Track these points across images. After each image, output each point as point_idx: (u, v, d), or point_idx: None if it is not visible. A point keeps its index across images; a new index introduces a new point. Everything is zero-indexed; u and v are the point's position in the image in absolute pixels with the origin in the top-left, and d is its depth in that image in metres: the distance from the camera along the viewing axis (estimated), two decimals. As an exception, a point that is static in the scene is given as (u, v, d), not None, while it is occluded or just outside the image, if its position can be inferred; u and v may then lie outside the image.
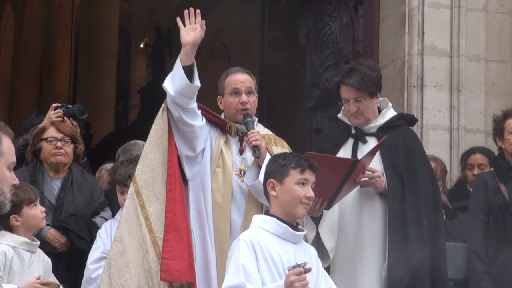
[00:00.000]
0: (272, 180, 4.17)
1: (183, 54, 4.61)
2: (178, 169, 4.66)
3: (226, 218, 4.69)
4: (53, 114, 5.83)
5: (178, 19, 4.64)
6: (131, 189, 4.70)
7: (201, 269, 4.64)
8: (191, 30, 4.61)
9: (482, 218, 5.75)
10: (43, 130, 5.67)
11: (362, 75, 4.82)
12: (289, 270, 3.90)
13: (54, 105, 5.92)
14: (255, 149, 4.63)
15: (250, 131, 4.74)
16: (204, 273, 4.66)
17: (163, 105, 4.75)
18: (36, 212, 4.82)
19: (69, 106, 5.97)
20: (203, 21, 4.62)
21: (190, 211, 4.69)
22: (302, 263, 3.90)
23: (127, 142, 6.44)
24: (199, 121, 4.72)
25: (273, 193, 4.16)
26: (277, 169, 4.18)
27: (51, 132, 5.64)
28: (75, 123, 5.91)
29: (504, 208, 5.71)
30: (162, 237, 4.56)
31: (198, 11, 4.63)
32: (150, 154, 4.73)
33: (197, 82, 4.61)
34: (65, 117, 5.87)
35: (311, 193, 4.12)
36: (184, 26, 4.64)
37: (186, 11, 4.64)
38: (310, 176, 4.14)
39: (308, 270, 3.90)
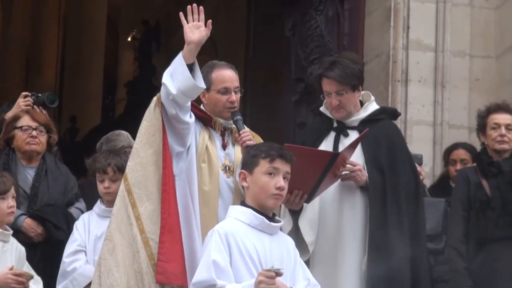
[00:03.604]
0: (243, 171, 4.17)
1: (187, 52, 4.45)
2: (171, 169, 4.57)
3: (214, 214, 4.63)
4: (22, 102, 5.78)
5: (181, 15, 4.48)
6: (122, 186, 4.61)
7: (188, 267, 4.53)
8: (195, 28, 4.45)
9: (463, 214, 5.72)
10: (17, 118, 5.60)
11: (344, 68, 4.77)
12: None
13: (24, 93, 5.86)
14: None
15: (242, 130, 4.69)
16: (190, 272, 4.58)
17: (154, 100, 4.61)
18: (1, 206, 4.73)
19: (39, 95, 5.91)
20: (210, 20, 4.49)
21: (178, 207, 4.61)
22: (278, 269, 3.87)
23: (111, 132, 6.38)
24: (191, 117, 4.63)
25: (244, 184, 4.17)
26: (248, 160, 4.18)
27: (26, 121, 5.57)
28: (44, 112, 5.83)
29: (486, 204, 5.68)
30: (154, 238, 4.48)
31: (201, 8, 4.47)
32: (142, 151, 4.61)
33: (201, 83, 4.50)
34: (35, 106, 5.80)
35: (281, 183, 4.08)
36: (187, 22, 4.48)
37: (189, 7, 4.47)
38: (281, 165, 4.10)
39: (280, 275, 3.87)
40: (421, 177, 5.94)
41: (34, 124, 5.57)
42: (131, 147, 6.01)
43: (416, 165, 5.82)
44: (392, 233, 4.67)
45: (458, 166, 6.42)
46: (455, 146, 6.58)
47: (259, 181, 4.09)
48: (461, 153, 6.49)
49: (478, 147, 6.05)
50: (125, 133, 6.27)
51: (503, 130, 5.71)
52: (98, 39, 16.57)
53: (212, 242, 4.00)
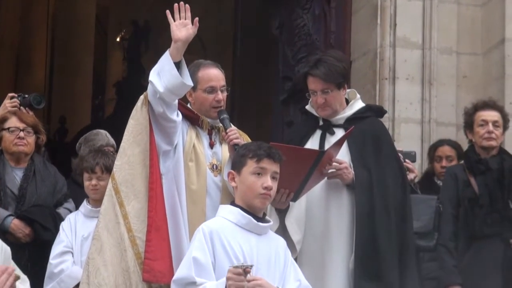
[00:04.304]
0: (231, 171, 4.18)
1: (174, 50, 4.44)
2: (158, 167, 4.57)
3: (201, 213, 4.62)
4: (8, 103, 5.77)
5: (168, 13, 4.47)
6: (110, 185, 4.60)
7: (175, 265, 4.50)
8: (182, 26, 4.45)
9: (452, 212, 5.74)
10: (4, 119, 5.60)
11: (329, 66, 4.76)
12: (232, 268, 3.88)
13: (10, 94, 5.85)
14: (236, 148, 4.54)
15: (229, 129, 4.68)
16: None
17: (141, 99, 4.60)
18: None
19: (26, 96, 5.90)
20: (197, 18, 4.48)
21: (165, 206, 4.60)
22: (247, 265, 3.87)
23: (89, 132, 6.41)
24: (178, 116, 4.62)
25: (232, 184, 4.16)
26: (237, 160, 4.18)
27: (13, 122, 5.57)
28: (31, 113, 5.81)
29: (474, 201, 5.70)
30: (141, 236, 4.47)
31: (187, 6, 4.47)
32: (129, 150, 4.60)
33: (189, 81, 4.49)
34: (21, 107, 5.78)
35: (268, 183, 4.07)
36: (174, 21, 4.47)
37: (176, 5, 4.47)
38: (269, 165, 4.09)
39: (247, 272, 3.85)
40: (414, 175, 5.99)
41: (21, 125, 5.56)
42: (110, 145, 6.06)
43: (410, 162, 5.85)
44: (379, 231, 4.66)
45: (444, 163, 6.44)
46: (440, 143, 6.59)
47: (246, 181, 4.08)
48: (447, 150, 6.51)
49: (466, 145, 6.05)
50: (103, 132, 6.29)
51: (491, 127, 5.73)
52: (87, 40, 16.54)
53: (196, 240, 4.01)
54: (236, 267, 3.86)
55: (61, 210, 5.55)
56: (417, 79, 6.91)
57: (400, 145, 6.52)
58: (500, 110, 5.89)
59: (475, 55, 7.00)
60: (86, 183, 5.31)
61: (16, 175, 5.52)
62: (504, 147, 6.01)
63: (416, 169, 6.17)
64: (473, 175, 5.77)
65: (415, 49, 6.93)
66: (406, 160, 5.88)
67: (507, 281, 5.65)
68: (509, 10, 6.77)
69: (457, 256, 5.67)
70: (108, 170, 5.10)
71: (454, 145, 6.53)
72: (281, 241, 4.26)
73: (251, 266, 3.88)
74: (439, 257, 5.71)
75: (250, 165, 4.08)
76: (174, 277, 4.02)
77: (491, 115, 5.78)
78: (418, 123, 6.89)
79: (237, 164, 4.15)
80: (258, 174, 4.07)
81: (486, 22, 6.99)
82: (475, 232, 5.67)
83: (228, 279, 3.83)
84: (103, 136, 6.24)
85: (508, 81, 6.70)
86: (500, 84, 6.74)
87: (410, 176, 5.97)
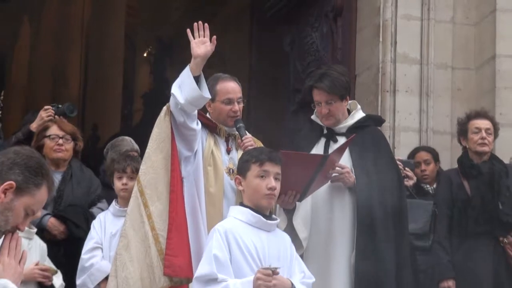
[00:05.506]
0: (237, 176, 4.23)
1: (193, 65, 4.51)
2: (179, 172, 4.62)
3: (219, 213, 4.67)
4: (44, 113, 5.86)
5: (188, 31, 4.55)
6: (135, 188, 4.66)
7: (195, 261, 4.55)
8: (201, 43, 4.51)
9: (446, 212, 5.78)
10: (46, 128, 5.70)
11: (333, 80, 4.81)
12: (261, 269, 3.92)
13: (46, 106, 5.94)
14: None
15: (245, 136, 4.73)
16: (197, 266, 4.62)
17: (164, 109, 4.66)
18: None
19: (60, 105, 5.98)
20: (215, 36, 4.54)
21: (186, 208, 4.65)
22: (275, 268, 3.91)
23: (115, 138, 6.48)
24: (197, 125, 4.68)
25: (239, 187, 4.22)
26: (241, 165, 4.23)
27: (54, 130, 5.67)
28: (64, 121, 5.90)
29: (466, 203, 5.75)
30: (163, 235, 4.52)
31: (206, 25, 4.54)
32: (153, 156, 4.66)
33: (207, 94, 4.55)
34: (56, 116, 5.88)
35: (272, 184, 4.12)
36: (194, 38, 4.55)
37: (195, 24, 4.54)
38: (271, 167, 4.14)
39: (276, 273, 3.91)
40: (412, 182, 6.04)
41: (61, 133, 5.65)
42: (134, 150, 6.12)
43: (409, 170, 5.90)
44: (378, 230, 4.71)
45: (422, 167, 6.41)
46: (416, 150, 6.58)
47: (252, 184, 4.13)
48: (423, 155, 6.50)
49: (461, 151, 6.10)
50: (128, 138, 6.37)
51: (484, 133, 5.79)
52: (117, 55, 16.61)
53: (213, 240, 4.04)
54: (266, 268, 3.91)
55: (94, 210, 5.63)
56: (416, 91, 6.92)
57: (400, 152, 6.59)
58: (491, 119, 5.95)
59: (468, 70, 7.01)
60: (117, 183, 5.37)
61: (55, 178, 5.54)
62: (495, 153, 6.06)
63: (414, 176, 6.22)
64: (466, 178, 5.82)
65: (413, 64, 6.95)
66: (406, 168, 5.94)
67: (497, 274, 5.70)
68: (499, 29, 6.80)
69: (451, 252, 5.72)
70: (137, 171, 5.18)
71: (428, 149, 6.55)
72: (287, 237, 4.32)
73: (279, 268, 3.93)
74: (435, 253, 5.75)
75: (254, 169, 4.13)
76: (196, 274, 4.05)
77: (484, 123, 5.84)
78: (416, 131, 6.90)
79: (242, 169, 4.21)
80: (262, 176, 4.12)
81: (478, 40, 7.02)
82: (467, 231, 5.71)
83: (257, 279, 3.88)
84: (128, 142, 6.32)
85: (498, 94, 6.72)
86: (491, 96, 6.77)
87: (409, 182, 6.03)
